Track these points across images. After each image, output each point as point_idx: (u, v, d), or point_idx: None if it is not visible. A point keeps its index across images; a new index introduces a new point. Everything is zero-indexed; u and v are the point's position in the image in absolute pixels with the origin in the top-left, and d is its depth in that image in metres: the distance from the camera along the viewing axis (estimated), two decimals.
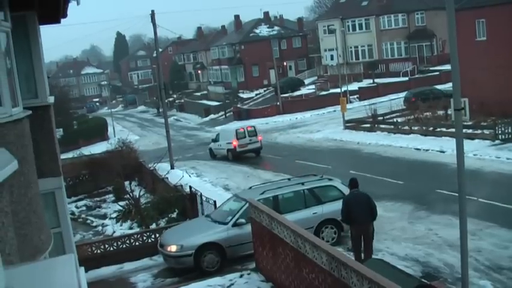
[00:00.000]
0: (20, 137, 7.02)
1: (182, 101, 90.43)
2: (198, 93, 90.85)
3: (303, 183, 17.38)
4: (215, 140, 38.72)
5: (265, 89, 76.66)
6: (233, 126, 41.32)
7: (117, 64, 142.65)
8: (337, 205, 14.84)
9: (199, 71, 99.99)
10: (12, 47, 7.52)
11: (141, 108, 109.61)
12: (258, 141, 36.89)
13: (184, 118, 77.66)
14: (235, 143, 36.34)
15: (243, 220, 15.98)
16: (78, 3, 9.54)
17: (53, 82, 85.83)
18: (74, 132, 61.08)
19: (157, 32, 36.05)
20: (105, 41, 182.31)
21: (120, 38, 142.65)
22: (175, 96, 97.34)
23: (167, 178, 27.40)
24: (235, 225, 16.12)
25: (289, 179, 18.78)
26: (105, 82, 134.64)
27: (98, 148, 46.43)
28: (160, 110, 69.73)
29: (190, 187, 23.18)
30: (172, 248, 16.09)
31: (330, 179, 17.82)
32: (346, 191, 15.69)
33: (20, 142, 7.00)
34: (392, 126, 37.53)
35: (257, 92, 76.39)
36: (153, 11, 35.52)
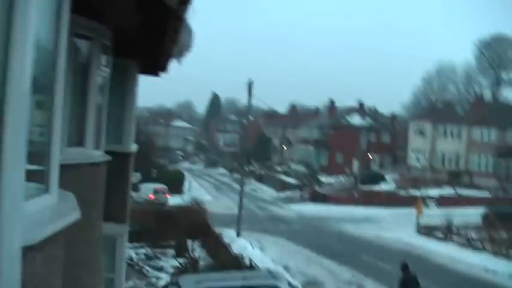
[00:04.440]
0: (95, 181, 7.07)
1: (262, 172, 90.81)
2: (279, 168, 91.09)
3: (244, 278, 15.81)
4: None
5: (346, 177, 75.96)
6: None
7: (207, 123, 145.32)
8: None
9: (284, 147, 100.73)
10: (106, 89, 7.66)
11: (221, 170, 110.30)
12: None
13: (261, 189, 77.65)
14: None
15: None
16: (179, 62, 9.78)
17: (142, 127, 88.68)
18: (152, 180, 62.31)
19: (251, 101, 36.75)
20: (200, 98, 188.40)
21: (215, 99, 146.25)
22: (256, 166, 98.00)
23: (230, 245, 27.17)
24: None
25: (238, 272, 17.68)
26: (192, 138, 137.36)
27: (171, 201, 47.09)
28: (236, 175, 70.49)
29: (250, 260, 22.83)
30: None
31: (276, 278, 15.88)
32: None
33: (94, 186, 7.04)
34: (465, 240, 36.11)
35: (337, 178, 75.78)
36: (251, 81, 36.27)
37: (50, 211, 3.54)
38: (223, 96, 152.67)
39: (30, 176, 3.52)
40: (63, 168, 5.39)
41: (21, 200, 2.80)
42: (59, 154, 3.85)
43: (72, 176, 6.13)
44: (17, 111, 2.63)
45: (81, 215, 4.19)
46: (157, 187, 49.05)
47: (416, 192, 53.89)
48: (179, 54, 9.76)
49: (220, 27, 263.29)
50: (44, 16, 3.40)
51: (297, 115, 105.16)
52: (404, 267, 17.23)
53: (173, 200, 44.98)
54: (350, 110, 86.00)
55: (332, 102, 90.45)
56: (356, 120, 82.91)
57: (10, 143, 2.58)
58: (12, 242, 2.64)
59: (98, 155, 7.29)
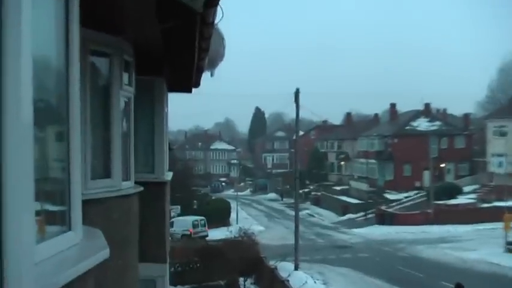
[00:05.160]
0: (126, 215, 7.12)
1: (319, 194, 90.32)
2: (338, 188, 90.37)
3: None
4: None
5: (416, 192, 74.83)
6: None
7: (252, 143, 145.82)
8: None
9: (342, 162, 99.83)
10: (132, 113, 7.71)
11: (272, 195, 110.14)
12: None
13: (319, 214, 77.34)
14: None
15: None
16: (211, 75, 9.84)
17: (179, 154, 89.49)
18: (193, 212, 62.61)
19: (299, 113, 36.73)
20: (241, 116, 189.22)
21: (258, 115, 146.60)
22: (311, 187, 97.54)
23: (288, 281, 27.04)
24: None
25: None
26: (236, 161, 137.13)
27: (216, 234, 47.34)
28: (289, 200, 69.87)
29: None
30: None
31: None
32: None
33: (125, 221, 7.09)
34: None
35: (406, 194, 74.73)
36: (297, 90, 36.28)
37: (73, 251, 3.55)
38: (267, 111, 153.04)
39: (50, 216, 3.57)
40: (88, 203, 5.49)
41: (31, 245, 2.79)
42: (80, 188, 3.88)
43: (99, 211, 6.25)
44: (17, 147, 2.58)
45: (112, 254, 4.18)
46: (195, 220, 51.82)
47: (501, 204, 52.60)
48: (211, 65, 9.83)
49: (257, 35, 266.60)
50: (45, 32, 3.41)
51: (353, 125, 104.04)
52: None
53: (219, 233, 45.07)
54: (415, 114, 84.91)
55: (393, 106, 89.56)
56: (423, 124, 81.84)
57: (12, 184, 2.55)
58: None
59: (127, 186, 7.31)
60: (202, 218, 53.31)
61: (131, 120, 7.70)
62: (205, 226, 52.37)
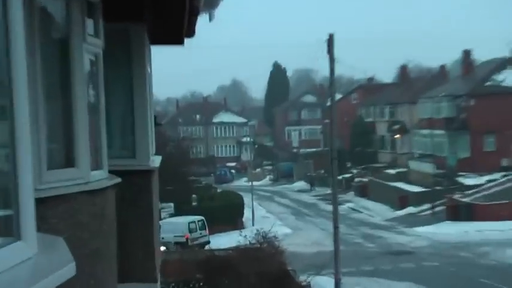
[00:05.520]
0: (98, 218, 7.06)
1: (365, 180, 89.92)
2: (392, 171, 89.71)
3: None
4: None
5: (503, 173, 74.36)
6: None
7: (270, 113, 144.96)
8: None
9: (397, 136, 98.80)
10: (101, 75, 7.60)
11: (299, 185, 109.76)
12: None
13: (366, 208, 77.15)
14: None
15: None
16: (210, 19, 9.81)
17: (169, 130, 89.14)
18: (192, 212, 61.92)
19: (334, 69, 36.53)
20: (254, 76, 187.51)
21: (277, 73, 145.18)
22: (355, 171, 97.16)
23: None
24: None
25: None
26: (248, 139, 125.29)
27: (224, 241, 47.44)
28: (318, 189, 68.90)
29: None
30: None
31: None
32: None
33: (97, 225, 7.04)
34: None
35: (489, 177, 74.22)
36: (331, 36, 36.12)
37: (25, 268, 3.55)
38: (290, 69, 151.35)
39: None
40: (45, 202, 5.60)
41: None
42: (31, 182, 3.88)
43: (61, 213, 6.22)
44: None
45: (79, 270, 4.22)
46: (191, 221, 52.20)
47: None
48: (210, 5, 9.80)
49: None
50: None
51: (411, 83, 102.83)
52: None
53: (228, 240, 45.04)
54: (499, 64, 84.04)
55: (467, 55, 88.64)
56: (511, 78, 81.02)
57: None
58: None
59: (99, 178, 7.25)
60: (201, 218, 53.72)
61: (101, 85, 7.59)
62: (205, 229, 52.69)
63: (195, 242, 48.58)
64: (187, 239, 49.18)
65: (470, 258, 43.39)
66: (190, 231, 50.81)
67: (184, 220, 52.54)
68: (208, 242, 49.70)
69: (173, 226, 50.06)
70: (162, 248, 42.11)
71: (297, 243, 47.51)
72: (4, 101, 3.65)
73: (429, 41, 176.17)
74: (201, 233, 51.52)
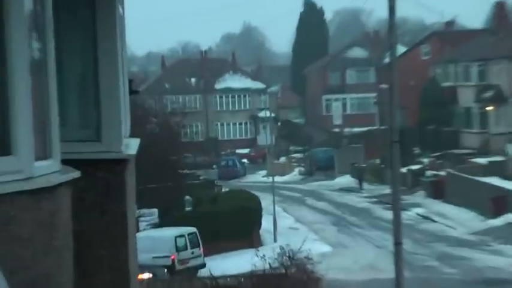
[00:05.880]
0: (45, 229, 6.06)
1: (442, 173, 74.73)
2: (483, 160, 74.28)
3: None
4: None
5: None
6: None
7: (299, 74, 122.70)
8: None
9: (489, 108, 80.00)
10: (49, 21, 6.40)
11: (343, 180, 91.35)
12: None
13: (443, 215, 65.90)
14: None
15: None
16: None
17: (149, 101, 71.21)
18: (185, 220, 51.00)
19: (395, 10, 30.00)
20: (275, 20, 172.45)
21: (311, 16, 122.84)
22: (426, 160, 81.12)
23: None
24: None
25: None
26: (268, 113, 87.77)
27: (232, 263, 42.69)
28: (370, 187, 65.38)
29: None
30: None
31: None
32: None
33: (45, 240, 6.05)
34: None
35: None
36: None
37: None
38: (328, 9, 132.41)
39: None
40: None
41: None
42: None
43: None
44: None
45: None
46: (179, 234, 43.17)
47: None
48: None
49: None
50: None
51: (510, 29, 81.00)
52: None
53: (238, 262, 41.70)
54: None
55: None
56: None
57: None
58: None
59: (46, 171, 6.17)
60: (192, 229, 44.22)
61: (49, 33, 6.40)
62: (198, 246, 43.59)
63: (184, 266, 41.33)
64: (173, 261, 41.09)
65: None
66: (178, 249, 41.77)
67: (169, 233, 43.61)
68: (203, 265, 42.55)
69: (152, 242, 40.11)
70: (145, 275, 36.43)
71: (340, 266, 43.96)
72: None
73: None
74: (193, 252, 42.63)
